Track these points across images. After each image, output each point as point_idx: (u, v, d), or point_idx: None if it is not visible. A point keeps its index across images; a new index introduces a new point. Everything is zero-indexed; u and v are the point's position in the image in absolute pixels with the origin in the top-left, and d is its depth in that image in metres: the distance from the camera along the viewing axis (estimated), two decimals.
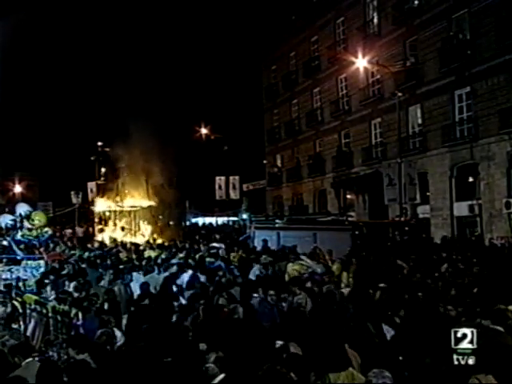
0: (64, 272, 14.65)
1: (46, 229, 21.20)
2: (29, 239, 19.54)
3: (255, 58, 45.26)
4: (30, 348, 7.02)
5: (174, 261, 16.29)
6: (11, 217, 19.57)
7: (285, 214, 31.66)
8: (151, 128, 28.68)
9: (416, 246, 19.60)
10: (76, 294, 11.25)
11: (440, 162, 27.20)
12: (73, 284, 12.38)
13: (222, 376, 6.05)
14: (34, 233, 20.13)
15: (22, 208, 20.00)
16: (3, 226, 19.20)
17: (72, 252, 20.38)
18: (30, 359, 6.70)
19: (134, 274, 14.16)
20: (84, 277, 13.31)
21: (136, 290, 12.63)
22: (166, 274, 14.02)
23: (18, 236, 19.30)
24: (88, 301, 10.22)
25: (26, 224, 19.82)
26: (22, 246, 18.65)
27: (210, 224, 38.99)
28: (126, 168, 30.08)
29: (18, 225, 19.12)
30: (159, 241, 24.82)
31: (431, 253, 17.56)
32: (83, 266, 15.70)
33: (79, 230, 30.93)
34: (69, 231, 28.94)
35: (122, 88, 47.92)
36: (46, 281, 13.16)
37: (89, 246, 22.33)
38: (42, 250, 18.59)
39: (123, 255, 18.55)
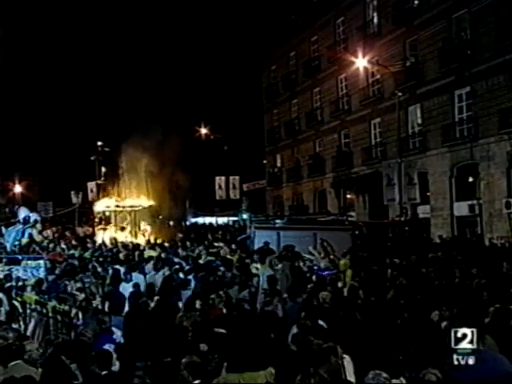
0: (56, 272, 14.67)
1: (46, 241, 21.24)
2: (32, 240, 19.46)
3: (255, 57, 45.25)
4: (21, 350, 6.92)
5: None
6: (28, 212, 19.55)
7: (285, 214, 31.64)
8: (151, 128, 28.72)
9: (414, 246, 19.59)
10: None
11: (440, 161, 27.20)
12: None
13: (197, 382, 6.04)
14: (40, 237, 20.08)
15: (34, 216, 20.06)
16: (21, 218, 19.15)
17: (72, 252, 20.39)
18: (18, 361, 6.62)
19: (134, 273, 14.15)
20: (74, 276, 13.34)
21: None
22: (161, 273, 14.00)
23: (29, 230, 19.20)
24: (86, 300, 10.22)
25: (38, 227, 19.78)
26: (23, 240, 18.52)
27: (211, 224, 38.95)
28: (127, 168, 30.09)
29: (33, 222, 19.05)
30: (159, 241, 24.79)
31: (428, 252, 17.54)
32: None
33: (80, 230, 30.93)
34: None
35: (122, 88, 47.94)
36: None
37: (89, 245, 22.32)
38: (38, 249, 18.51)
39: (123, 255, 18.52)
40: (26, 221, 18.98)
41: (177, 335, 7.91)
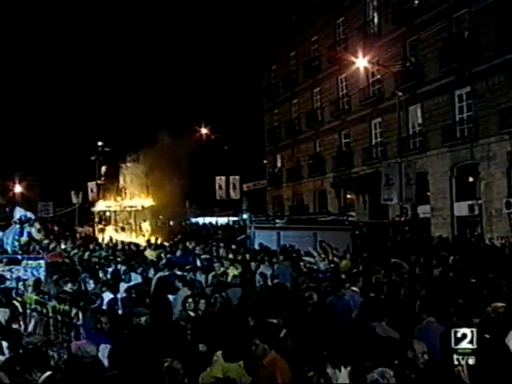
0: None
1: (46, 241, 21.16)
2: (33, 238, 19.35)
3: (255, 57, 45.25)
4: None
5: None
6: (24, 212, 19.43)
7: (285, 214, 31.65)
8: (152, 128, 28.75)
9: (415, 246, 19.59)
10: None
11: (440, 161, 27.20)
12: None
13: None
14: (40, 236, 19.93)
15: (28, 215, 19.92)
16: (17, 218, 19.06)
17: (73, 252, 20.40)
18: None
19: (133, 274, 14.13)
20: (77, 277, 13.31)
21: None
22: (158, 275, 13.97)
23: (27, 229, 19.09)
24: (85, 300, 10.20)
25: (37, 225, 19.67)
26: (22, 240, 18.44)
27: (211, 224, 38.97)
28: (127, 168, 30.14)
29: (29, 220, 18.93)
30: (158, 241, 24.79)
31: (429, 252, 17.53)
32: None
33: (80, 230, 30.99)
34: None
35: (123, 88, 47.98)
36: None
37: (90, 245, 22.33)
38: (38, 249, 18.44)
39: (123, 255, 18.51)
40: (22, 220, 18.83)
41: (176, 335, 7.90)
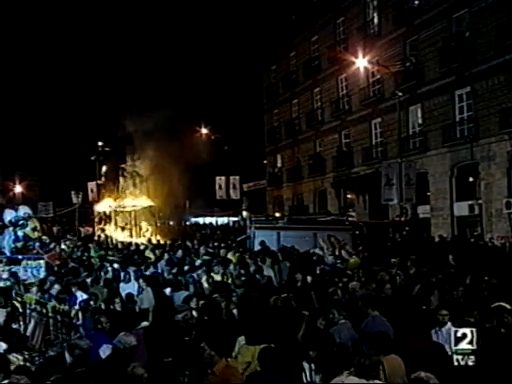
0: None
1: (45, 237, 21.07)
2: (29, 238, 19.32)
3: (255, 57, 45.26)
4: None
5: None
6: (14, 213, 19.30)
7: (285, 214, 31.62)
8: (152, 128, 28.73)
9: (416, 246, 19.59)
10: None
11: (440, 161, 27.20)
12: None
13: None
14: (36, 234, 19.86)
15: (24, 210, 19.78)
16: (7, 221, 18.97)
17: (69, 250, 20.37)
18: None
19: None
20: (76, 276, 13.32)
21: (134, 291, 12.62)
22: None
23: (20, 233, 19.03)
24: (84, 300, 10.21)
25: (31, 224, 19.56)
26: (19, 244, 18.43)
27: (211, 224, 38.95)
28: (127, 168, 30.12)
29: (22, 222, 18.80)
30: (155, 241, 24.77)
31: (432, 252, 17.53)
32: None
33: (81, 230, 30.98)
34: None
35: (123, 88, 47.94)
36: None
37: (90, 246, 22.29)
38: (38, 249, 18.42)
39: (122, 255, 18.51)
40: (12, 223, 18.74)
41: (177, 335, 7.90)
